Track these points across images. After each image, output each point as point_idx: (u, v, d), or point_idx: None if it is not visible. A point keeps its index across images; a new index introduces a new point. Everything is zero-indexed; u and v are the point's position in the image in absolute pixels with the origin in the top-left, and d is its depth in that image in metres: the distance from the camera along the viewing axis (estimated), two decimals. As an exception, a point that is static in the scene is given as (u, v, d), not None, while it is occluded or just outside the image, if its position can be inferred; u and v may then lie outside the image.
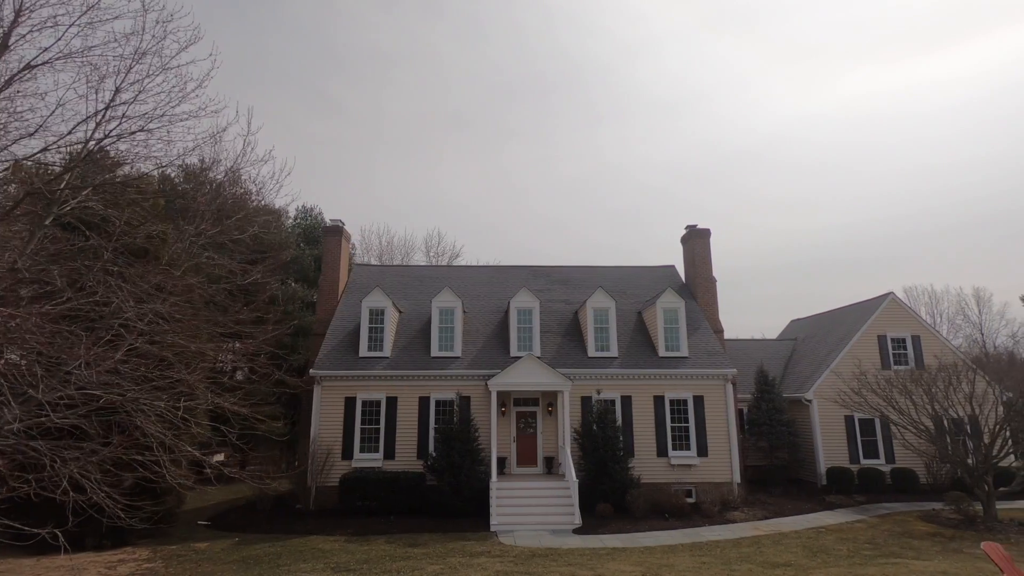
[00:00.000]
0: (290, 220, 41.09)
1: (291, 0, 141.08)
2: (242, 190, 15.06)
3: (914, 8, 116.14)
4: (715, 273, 22.87)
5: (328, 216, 46.08)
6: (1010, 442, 15.44)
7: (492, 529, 14.94)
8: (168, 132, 11.98)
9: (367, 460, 18.14)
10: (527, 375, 17.53)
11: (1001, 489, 15.76)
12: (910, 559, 11.68)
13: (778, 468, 20.99)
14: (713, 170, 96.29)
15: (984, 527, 14.62)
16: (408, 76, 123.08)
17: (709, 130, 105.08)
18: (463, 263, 49.17)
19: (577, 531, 14.80)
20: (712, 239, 23.20)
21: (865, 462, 20.74)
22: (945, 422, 16.53)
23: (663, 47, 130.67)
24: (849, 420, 21.04)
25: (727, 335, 22.68)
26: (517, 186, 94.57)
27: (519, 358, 18.45)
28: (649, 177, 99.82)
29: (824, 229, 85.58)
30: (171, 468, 10.31)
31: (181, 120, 11.62)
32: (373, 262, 47.92)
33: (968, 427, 17.83)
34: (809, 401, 21.37)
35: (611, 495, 16.36)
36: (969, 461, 15.94)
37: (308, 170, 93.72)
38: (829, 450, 20.95)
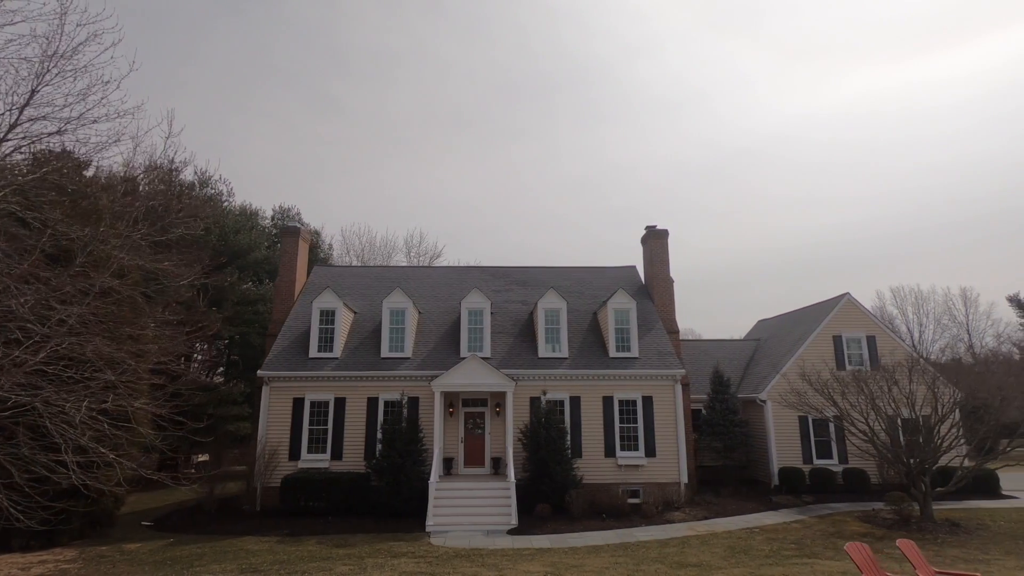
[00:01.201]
0: (266, 221, 41.20)
1: (293, 0, 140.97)
2: (163, 189, 15.01)
3: (916, 8, 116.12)
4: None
5: (306, 216, 46.27)
6: (944, 443, 15.44)
7: (427, 530, 14.97)
8: (86, 134, 12.09)
9: (314, 461, 18.18)
10: (470, 376, 17.55)
11: (938, 489, 15.78)
12: (826, 559, 11.70)
13: (731, 468, 21.03)
14: (715, 169, 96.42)
15: (916, 527, 14.63)
16: (411, 76, 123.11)
17: (711, 129, 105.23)
18: (445, 263, 49.26)
19: (512, 532, 14.82)
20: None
21: (818, 462, 20.76)
22: (899, 422, 16.53)
23: (665, 46, 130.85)
24: (803, 421, 21.04)
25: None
26: (520, 185, 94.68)
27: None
28: (651, 176, 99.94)
29: (824, 228, 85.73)
30: (77, 471, 10.32)
31: (97, 122, 11.71)
32: (354, 262, 48.01)
33: (919, 427, 18.02)
34: (763, 402, 21.38)
35: (551, 496, 16.39)
36: (911, 461, 15.95)
37: (308, 170, 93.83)
38: (782, 450, 20.95)
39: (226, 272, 28.29)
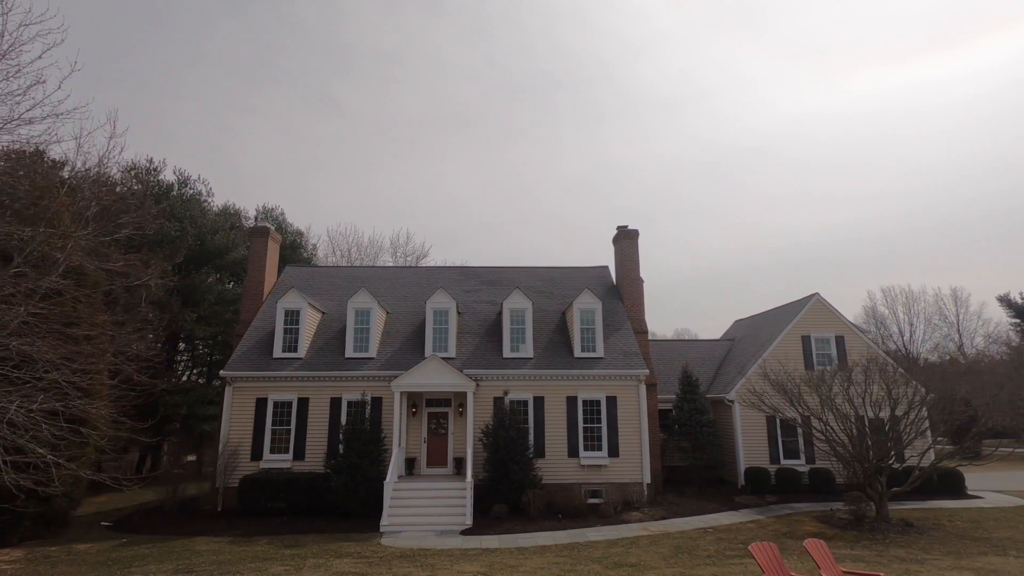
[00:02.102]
0: (249, 220, 41.15)
1: (295, 0, 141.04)
2: (110, 188, 15.00)
3: (918, 7, 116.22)
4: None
5: (291, 217, 46.31)
6: (898, 443, 15.44)
7: (381, 530, 14.98)
8: (27, 133, 12.11)
9: (276, 461, 18.18)
10: (429, 376, 17.53)
11: (894, 489, 15.77)
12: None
13: (698, 468, 21.02)
14: (717, 167, 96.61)
15: (869, 527, 14.62)
16: (412, 76, 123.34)
17: (712, 128, 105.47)
18: (432, 263, 49.24)
19: (465, 532, 14.81)
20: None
21: (785, 463, 20.75)
22: (866, 421, 16.49)
23: (667, 45, 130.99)
24: (771, 421, 21.02)
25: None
26: (520, 184, 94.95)
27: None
28: (652, 175, 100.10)
29: (823, 228, 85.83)
30: (11, 472, 10.33)
31: (33, 122, 11.73)
32: (340, 263, 47.98)
33: (886, 427, 18.03)
34: (731, 402, 21.38)
35: (509, 496, 16.38)
36: (865, 461, 15.94)
37: (308, 170, 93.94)
38: (750, 450, 20.96)
39: (203, 272, 28.33)
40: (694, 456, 21.14)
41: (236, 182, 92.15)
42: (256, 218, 41.80)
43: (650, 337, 22.25)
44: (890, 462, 15.76)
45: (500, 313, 21.28)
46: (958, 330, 69.25)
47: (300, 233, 42.43)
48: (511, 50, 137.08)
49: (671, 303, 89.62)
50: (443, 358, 19.16)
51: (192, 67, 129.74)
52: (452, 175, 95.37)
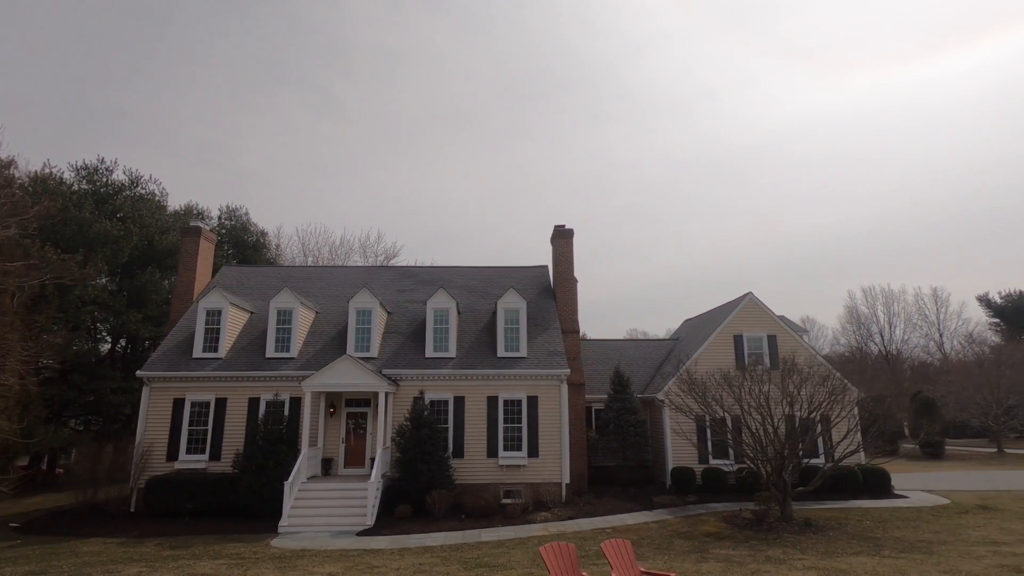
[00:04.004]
0: (213, 221, 41.09)
1: (296, 0, 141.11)
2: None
3: (921, 7, 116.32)
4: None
5: (255, 217, 46.14)
6: (794, 443, 15.34)
7: (279, 530, 14.90)
8: None
9: (192, 462, 18.11)
10: (342, 376, 17.43)
11: (799, 488, 15.68)
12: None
13: (626, 468, 20.94)
14: (721, 165, 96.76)
15: (767, 526, 14.51)
16: (415, 75, 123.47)
17: (717, 126, 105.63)
18: (403, 263, 49.09)
19: (363, 533, 14.72)
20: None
21: (714, 462, 20.61)
22: (772, 421, 16.41)
23: (671, 44, 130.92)
24: (700, 420, 20.90)
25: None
26: (523, 184, 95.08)
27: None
28: (656, 173, 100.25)
29: (824, 226, 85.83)
30: None
31: None
32: (309, 262, 47.88)
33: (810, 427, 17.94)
34: (661, 402, 21.27)
35: (415, 496, 16.30)
36: (768, 461, 15.85)
37: (313, 170, 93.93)
38: (679, 450, 20.82)
39: (147, 272, 28.25)
40: (623, 456, 21.06)
41: (237, 182, 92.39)
42: (219, 218, 41.74)
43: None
44: (796, 461, 15.63)
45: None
46: (939, 330, 69.22)
47: (264, 233, 42.33)
48: (514, 49, 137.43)
49: (672, 303, 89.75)
50: (364, 358, 19.11)
51: (194, 67, 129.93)
52: (455, 174, 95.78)
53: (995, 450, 37.35)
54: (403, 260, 51.29)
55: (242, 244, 41.05)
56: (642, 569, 7.79)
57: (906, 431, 40.83)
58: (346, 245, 51.28)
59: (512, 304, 20.06)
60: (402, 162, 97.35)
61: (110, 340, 30.63)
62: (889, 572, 9.95)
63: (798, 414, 15.42)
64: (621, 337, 53.91)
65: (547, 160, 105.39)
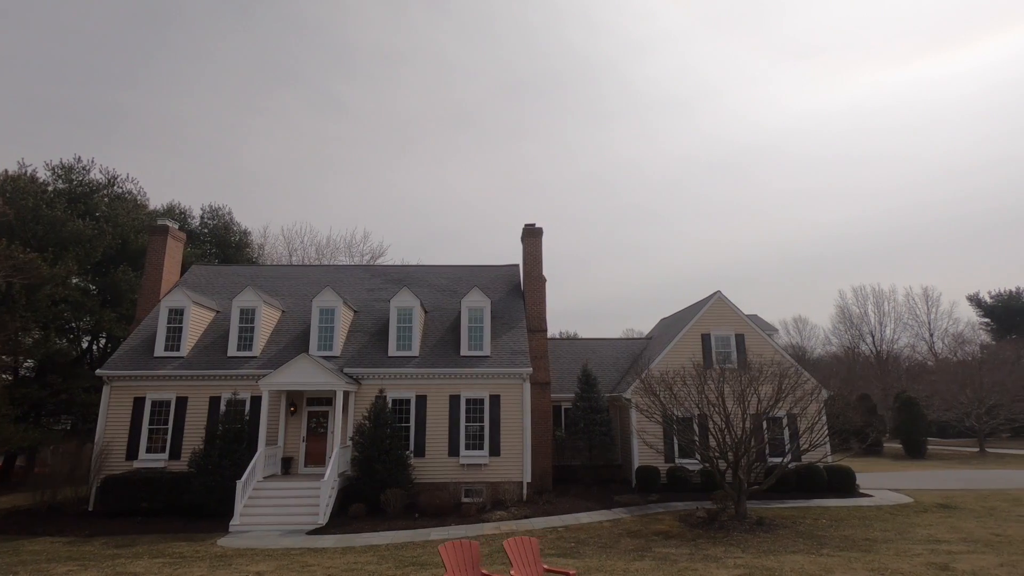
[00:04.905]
0: (195, 221, 41.07)
1: (299, 0, 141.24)
2: None
3: (923, 7, 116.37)
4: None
5: (238, 217, 46.08)
6: (751, 442, 15.29)
7: (230, 529, 14.86)
8: None
9: (152, 461, 18.07)
10: (299, 375, 17.35)
11: (754, 487, 15.61)
12: (562, 558, 11.56)
13: (594, 467, 20.88)
14: (723, 164, 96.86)
15: (719, 525, 14.45)
16: (417, 75, 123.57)
17: (719, 125, 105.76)
18: (389, 262, 49.03)
19: (314, 531, 14.67)
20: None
21: (680, 461, 20.57)
22: (728, 419, 16.33)
23: (673, 43, 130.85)
24: (667, 419, 20.81)
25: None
26: (528, 182, 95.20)
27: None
28: (659, 172, 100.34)
29: (821, 225, 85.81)
30: None
31: None
32: (295, 262, 47.85)
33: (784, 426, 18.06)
34: (628, 400, 21.21)
35: (370, 495, 16.25)
36: (722, 458, 15.80)
37: (315, 170, 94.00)
38: (645, 449, 20.58)
39: (120, 270, 28.20)
40: (590, 455, 21.01)
41: (239, 182, 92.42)
42: (202, 217, 41.73)
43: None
44: (752, 460, 15.56)
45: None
46: (929, 329, 69.10)
47: (247, 233, 42.31)
48: (516, 48, 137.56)
49: (673, 302, 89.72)
50: (326, 357, 19.08)
51: (195, 67, 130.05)
52: (458, 174, 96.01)
53: (977, 450, 37.28)
54: (390, 259, 51.23)
55: (225, 244, 41.01)
56: (545, 567, 7.73)
57: (888, 431, 40.71)
58: (332, 244, 51.28)
59: (476, 303, 20.01)
60: (404, 162, 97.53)
61: (88, 339, 30.58)
62: (816, 570, 9.88)
63: (750, 412, 15.35)
64: (619, 336, 53.79)
65: (549, 159, 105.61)
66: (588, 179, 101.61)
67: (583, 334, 69.87)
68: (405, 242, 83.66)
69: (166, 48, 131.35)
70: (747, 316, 22.28)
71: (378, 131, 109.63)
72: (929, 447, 37.86)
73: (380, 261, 50.10)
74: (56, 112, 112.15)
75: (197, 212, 41.14)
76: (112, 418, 18.31)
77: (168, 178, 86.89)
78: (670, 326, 25.66)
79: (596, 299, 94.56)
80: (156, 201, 46.97)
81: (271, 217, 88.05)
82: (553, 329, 76.54)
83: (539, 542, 13.12)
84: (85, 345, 30.67)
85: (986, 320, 66.04)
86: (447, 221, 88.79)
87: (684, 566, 10.43)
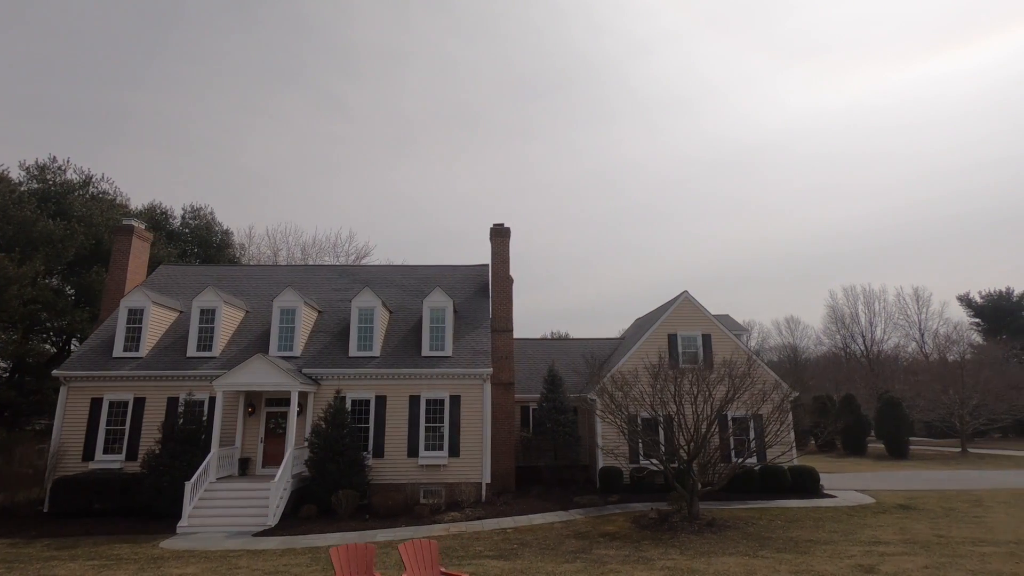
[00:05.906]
0: (177, 221, 41.00)
1: (302, 1, 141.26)
2: None
3: (924, 6, 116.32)
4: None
5: (220, 216, 45.93)
6: (706, 441, 15.18)
7: (177, 531, 14.75)
8: None
9: (108, 462, 17.97)
10: (254, 375, 17.24)
11: (706, 488, 15.50)
12: (495, 560, 11.45)
13: (559, 468, 20.77)
14: (726, 163, 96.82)
15: (669, 526, 14.33)
16: (419, 75, 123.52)
17: (721, 124, 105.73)
18: (375, 262, 48.94)
19: (261, 533, 14.55)
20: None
21: (644, 462, 20.40)
22: (679, 420, 16.21)
23: (676, 42, 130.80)
24: (632, 420, 20.67)
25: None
26: (529, 182, 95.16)
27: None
28: (663, 171, 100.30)
29: (822, 225, 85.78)
30: None
31: None
32: (280, 262, 47.74)
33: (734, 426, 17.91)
34: (592, 400, 21.08)
35: (322, 496, 16.14)
36: (674, 459, 15.70)
37: (317, 170, 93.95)
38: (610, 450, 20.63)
39: (92, 271, 28.13)
40: (555, 455, 20.90)
41: (240, 182, 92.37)
42: (183, 217, 41.65)
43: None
44: (705, 459, 15.45)
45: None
46: (920, 329, 68.90)
47: (228, 233, 42.21)
48: (520, 48, 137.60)
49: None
50: (286, 357, 18.99)
51: (198, 68, 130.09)
52: (461, 174, 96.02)
53: (959, 450, 37.13)
54: (375, 260, 51.13)
55: (207, 244, 40.93)
56: (442, 570, 7.62)
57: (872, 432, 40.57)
58: (318, 245, 51.17)
59: (438, 303, 19.91)
60: (408, 162, 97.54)
61: (63, 340, 30.49)
62: (740, 572, 9.77)
63: (704, 413, 15.25)
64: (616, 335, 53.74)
65: (554, 159, 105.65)
66: (591, 178, 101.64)
67: (586, 334, 69.81)
68: (406, 242, 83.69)
69: (168, 49, 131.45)
70: (716, 316, 22.16)
71: (380, 131, 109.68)
72: (913, 447, 37.74)
73: (365, 261, 49.98)
74: (57, 112, 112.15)
75: (179, 212, 41.07)
76: (69, 419, 18.22)
77: (168, 178, 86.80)
78: (642, 325, 25.55)
79: (600, 298, 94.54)
80: (143, 200, 46.85)
81: (271, 217, 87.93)
82: (551, 329, 76.51)
83: (484, 543, 13.06)
84: (60, 346, 30.59)
85: (976, 320, 65.91)
86: (449, 221, 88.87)
87: (612, 568, 10.33)
